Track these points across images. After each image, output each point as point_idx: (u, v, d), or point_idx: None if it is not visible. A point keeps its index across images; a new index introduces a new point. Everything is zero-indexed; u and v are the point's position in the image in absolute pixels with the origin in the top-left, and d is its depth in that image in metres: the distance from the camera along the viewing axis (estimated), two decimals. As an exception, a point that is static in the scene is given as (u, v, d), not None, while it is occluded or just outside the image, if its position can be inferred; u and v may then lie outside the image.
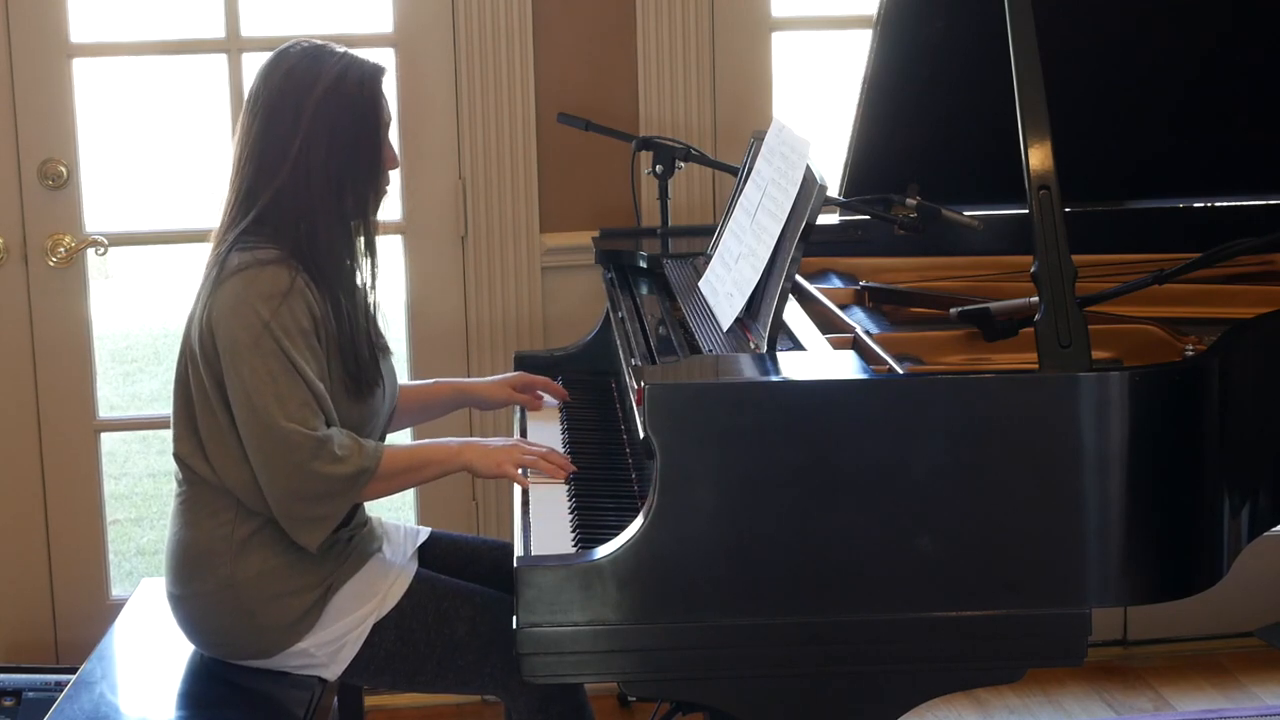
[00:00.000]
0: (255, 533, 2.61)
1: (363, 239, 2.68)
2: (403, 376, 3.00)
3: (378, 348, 2.72)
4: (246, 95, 2.66)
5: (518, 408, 3.08)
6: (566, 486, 2.63)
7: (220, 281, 2.56)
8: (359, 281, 2.69)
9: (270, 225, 2.60)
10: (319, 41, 2.66)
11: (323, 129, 2.59)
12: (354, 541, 2.69)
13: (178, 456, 2.67)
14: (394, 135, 2.74)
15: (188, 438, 2.64)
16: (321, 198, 2.60)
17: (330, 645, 2.63)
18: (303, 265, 2.58)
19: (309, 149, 2.59)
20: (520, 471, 2.63)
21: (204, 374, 2.58)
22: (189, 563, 2.65)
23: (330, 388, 2.59)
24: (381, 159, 2.66)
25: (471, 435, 3.71)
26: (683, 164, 3.41)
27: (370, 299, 2.72)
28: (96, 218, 3.71)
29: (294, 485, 2.50)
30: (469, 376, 3.68)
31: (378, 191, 2.67)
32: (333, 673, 2.65)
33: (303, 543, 2.56)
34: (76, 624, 3.72)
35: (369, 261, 2.70)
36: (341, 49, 2.65)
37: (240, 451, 2.56)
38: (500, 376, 3.09)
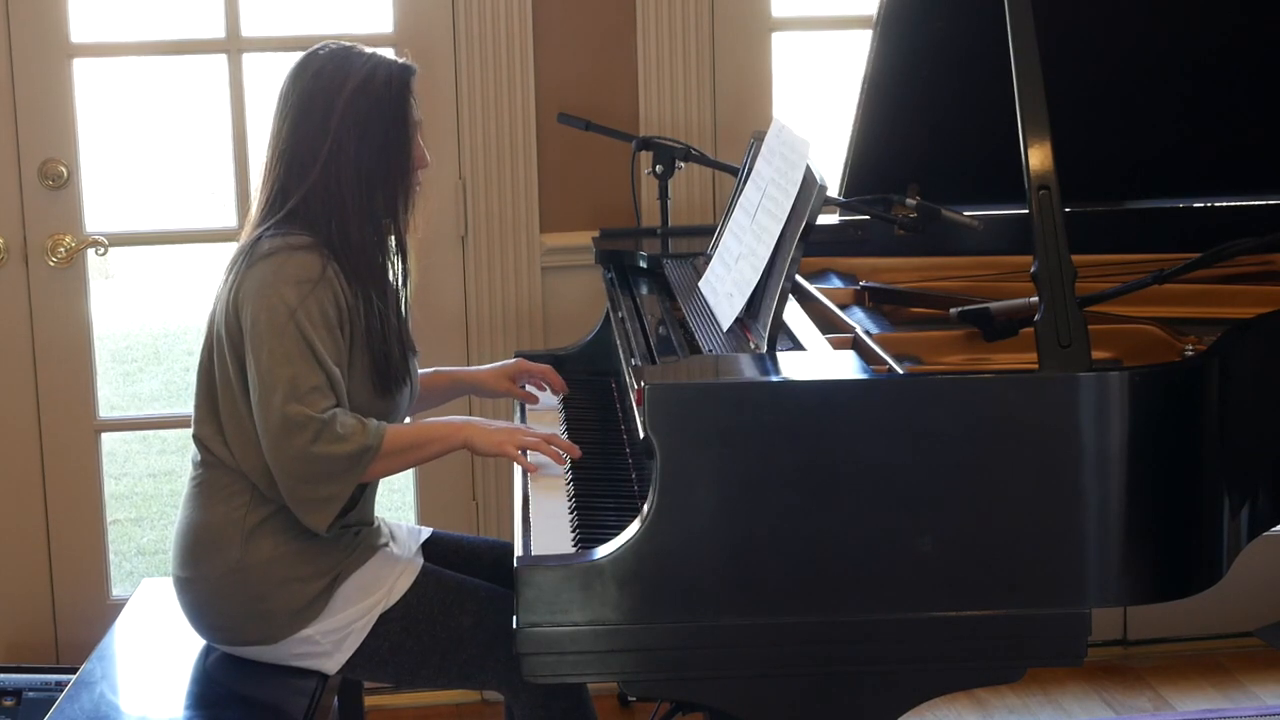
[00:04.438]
0: (268, 519, 2.62)
1: (393, 238, 2.70)
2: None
3: (407, 346, 2.73)
4: (276, 97, 2.67)
5: (518, 405, 3.09)
6: (566, 486, 2.64)
7: (251, 264, 2.58)
8: (390, 279, 2.71)
9: (302, 222, 2.61)
10: (347, 44, 2.68)
11: (352, 128, 2.61)
12: (361, 535, 2.70)
13: (197, 439, 2.69)
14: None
15: (209, 420, 2.66)
16: (352, 196, 2.61)
17: (335, 634, 2.64)
18: (335, 258, 2.59)
19: (339, 149, 2.60)
20: (522, 453, 2.62)
21: (228, 356, 2.60)
22: (199, 545, 2.66)
23: (354, 381, 2.61)
24: (411, 158, 2.68)
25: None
26: (683, 164, 3.41)
27: (402, 297, 2.73)
28: (96, 218, 3.71)
29: (298, 467, 2.51)
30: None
31: (408, 190, 2.69)
32: (335, 663, 2.66)
33: (311, 525, 2.56)
34: (76, 624, 3.72)
35: (400, 260, 2.72)
36: (370, 50, 2.67)
37: (258, 437, 2.57)
38: (498, 364, 3.10)
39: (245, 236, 2.68)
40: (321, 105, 2.61)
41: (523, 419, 3.03)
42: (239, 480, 2.64)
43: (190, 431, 2.73)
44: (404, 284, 2.75)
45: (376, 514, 2.80)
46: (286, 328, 2.53)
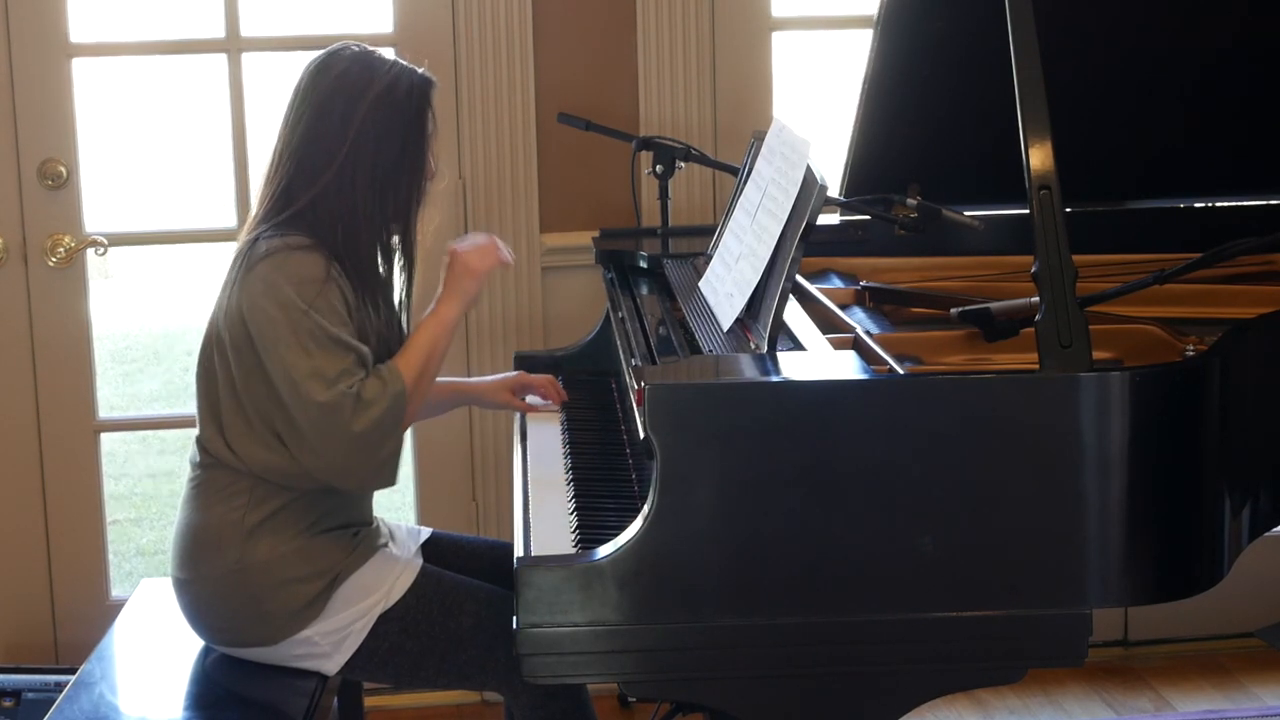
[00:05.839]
0: (267, 519, 2.62)
1: (401, 247, 2.70)
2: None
3: None
4: (292, 92, 2.66)
5: (518, 414, 3.08)
6: (567, 486, 2.64)
7: (250, 267, 2.57)
8: (395, 289, 2.72)
9: (307, 226, 2.61)
10: (368, 47, 2.67)
11: (371, 136, 2.60)
12: (360, 535, 2.70)
13: (199, 441, 2.69)
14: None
15: (209, 422, 2.66)
16: (364, 204, 2.61)
17: (334, 635, 2.63)
18: (338, 261, 2.59)
19: (356, 155, 2.60)
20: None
21: (231, 360, 2.59)
22: (198, 546, 2.65)
23: None
24: (425, 169, 2.68)
25: (471, 432, 3.72)
26: (683, 164, 3.41)
27: (406, 305, 2.75)
28: (96, 218, 3.71)
29: (351, 446, 2.51)
30: (469, 376, 3.68)
31: (418, 202, 2.69)
32: (335, 664, 2.65)
33: (379, 486, 2.59)
34: (76, 624, 3.72)
35: (406, 270, 2.72)
36: (391, 57, 2.67)
37: (264, 437, 2.57)
38: (499, 376, 3.10)
39: (245, 235, 2.67)
40: (342, 108, 2.60)
41: (523, 422, 3.02)
42: (238, 481, 2.64)
43: (194, 432, 2.72)
44: (408, 293, 2.75)
45: (376, 514, 2.80)
46: (304, 323, 2.52)
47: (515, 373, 3.10)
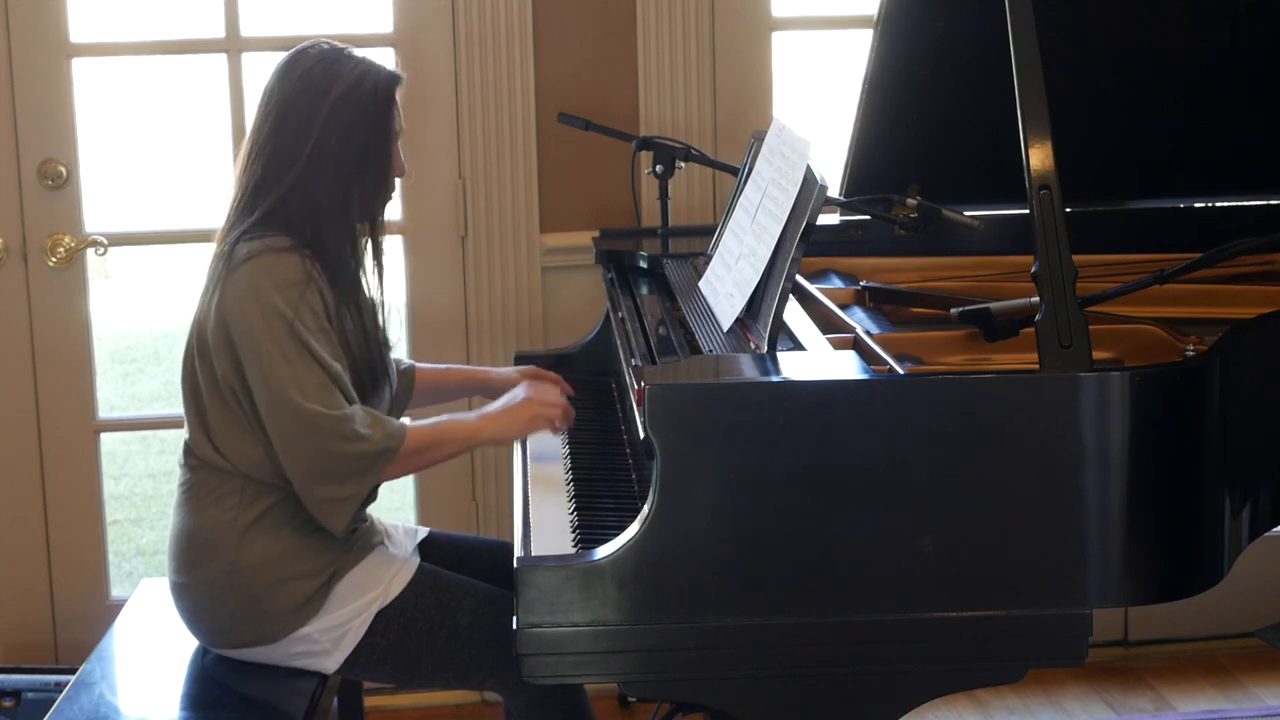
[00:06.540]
0: (260, 518, 2.62)
1: (370, 243, 2.70)
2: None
3: (385, 345, 2.74)
4: (261, 92, 2.66)
5: None
6: (567, 486, 2.64)
7: (231, 270, 2.57)
8: (365, 284, 2.71)
9: (279, 224, 2.60)
10: (338, 45, 2.67)
11: (335, 134, 2.60)
12: (357, 533, 2.70)
13: (187, 445, 2.69)
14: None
15: (196, 426, 2.66)
16: (328, 201, 2.61)
17: (333, 632, 2.63)
18: (314, 259, 2.59)
19: (320, 153, 2.60)
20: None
21: (215, 363, 2.59)
22: (193, 549, 2.65)
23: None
24: (390, 167, 2.68)
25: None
26: (683, 164, 3.41)
27: (378, 300, 2.74)
28: (96, 218, 3.70)
29: (316, 466, 2.51)
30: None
31: (385, 198, 2.69)
32: (334, 662, 2.65)
33: (329, 526, 2.57)
34: (76, 624, 3.72)
35: (376, 264, 2.72)
36: (359, 54, 2.66)
37: (253, 434, 2.58)
38: (514, 369, 3.10)
39: (220, 239, 2.66)
40: (305, 108, 2.60)
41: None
42: (227, 482, 2.63)
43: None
44: (380, 287, 2.74)
45: (372, 513, 2.80)
46: (277, 327, 2.51)
47: (529, 367, 3.10)
